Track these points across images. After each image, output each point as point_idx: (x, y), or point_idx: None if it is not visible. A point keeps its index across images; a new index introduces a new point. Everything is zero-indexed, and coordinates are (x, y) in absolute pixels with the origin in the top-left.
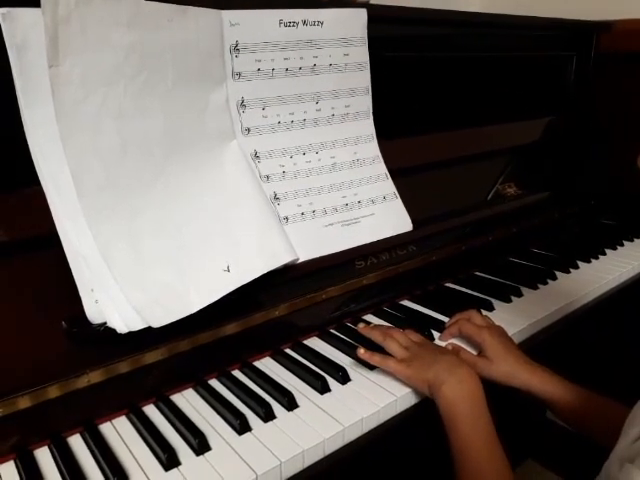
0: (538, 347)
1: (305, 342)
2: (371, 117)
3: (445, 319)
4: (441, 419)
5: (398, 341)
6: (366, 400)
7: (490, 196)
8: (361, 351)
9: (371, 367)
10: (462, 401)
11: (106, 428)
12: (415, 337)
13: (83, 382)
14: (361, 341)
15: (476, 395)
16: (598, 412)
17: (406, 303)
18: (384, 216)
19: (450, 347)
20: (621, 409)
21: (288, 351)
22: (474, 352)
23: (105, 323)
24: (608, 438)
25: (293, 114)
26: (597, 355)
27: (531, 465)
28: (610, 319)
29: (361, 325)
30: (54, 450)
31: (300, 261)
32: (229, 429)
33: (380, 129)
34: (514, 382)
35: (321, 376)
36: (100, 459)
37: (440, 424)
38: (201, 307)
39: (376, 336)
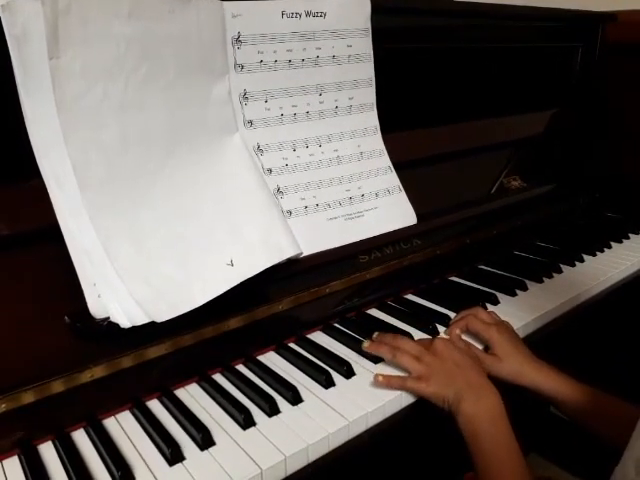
0: (543, 341)
1: (309, 336)
2: (375, 109)
3: (450, 313)
4: (462, 435)
5: (409, 353)
6: (371, 394)
7: (494, 189)
8: (379, 379)
9: (375, 361)
10: (482, 418)
11: (110, 423)
12: (424, 341)
13: (87, 377)
14: (365, 336)
15: (496, 409)
16: (604, 411)
17: (410, 297)
18: (388, 209)
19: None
20: (626, 408)
21: (292, 345)
22: (480, 347)
23: (108, 318)
24: (614, 437)
25: (296, 106)
26: (603, 349)
27: (535, 459)
28: (616, 313)
29: (366, 344)
30: (58, 445)
31: (304, 255)
32: (233, 424)
33: (384, 122)
34: (522, 381)
35: (325, 370)
36: (104, 454)
37: (454, 429)
38: (205, 301)
39: (385, 353)
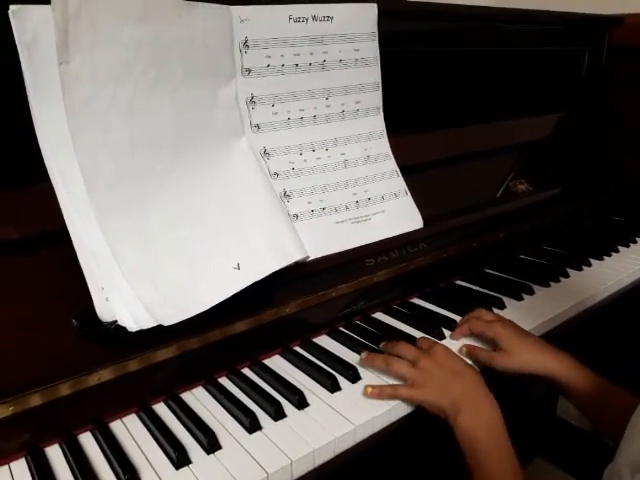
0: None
1: (315, 340)
2: (381, 113)
3: (455, 317)
4: (458, 445)
5: (404, 357)
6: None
7: (501, 193)
8: (369, 390)
9: None
10: (480, 429)
11: (117, 426)
12: (424, 343)
13: (94, 380)
14: (371, 340)
15: (494, 420)
16: (613, 402)
17: (416, 301)
18: (395, 213)
19: (465, 349)
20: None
21: (298, 349)
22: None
23: (116, 321)
24: (619, 432)
25: (303, 110)
26: (610, 354)
27: (540, 464)
28: (624, 317)
29: (363, 355)
30: (65, 448)
31: (310, 259)
32: (240, 428)
33: (390, 125)
34: (534, 368)
35: (331, 374)
36: (111, 457)
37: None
38: (211, 305)
39: (379, 365)
